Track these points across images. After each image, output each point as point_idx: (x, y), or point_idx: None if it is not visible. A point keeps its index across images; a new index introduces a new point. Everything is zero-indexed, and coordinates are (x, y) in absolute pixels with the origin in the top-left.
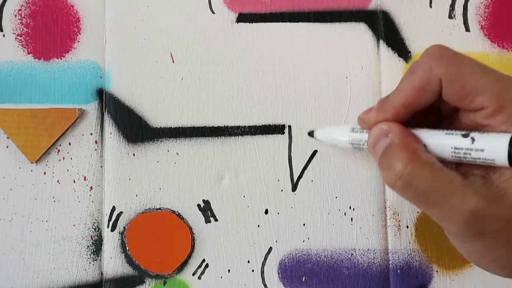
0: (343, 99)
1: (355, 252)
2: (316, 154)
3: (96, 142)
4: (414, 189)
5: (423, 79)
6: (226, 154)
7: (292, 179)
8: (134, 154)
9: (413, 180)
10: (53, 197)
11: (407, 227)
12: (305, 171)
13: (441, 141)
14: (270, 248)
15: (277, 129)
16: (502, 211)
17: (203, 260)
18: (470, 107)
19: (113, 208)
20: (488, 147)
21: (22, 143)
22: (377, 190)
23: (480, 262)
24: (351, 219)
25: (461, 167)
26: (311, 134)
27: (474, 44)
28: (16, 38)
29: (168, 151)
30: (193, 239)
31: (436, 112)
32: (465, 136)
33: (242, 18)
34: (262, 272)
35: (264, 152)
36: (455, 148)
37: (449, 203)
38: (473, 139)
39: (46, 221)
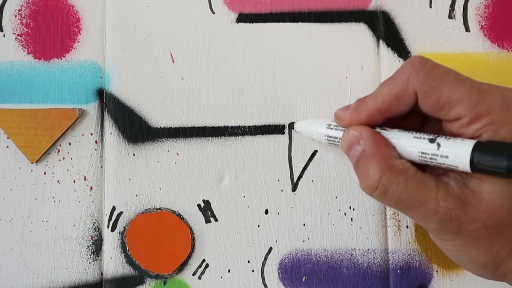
0: (343, 99)
1: (355, 252)
2: (316, 154)
3: (96, 142)
4: (390, 197)
5: (400, 89)
6: (226, 154)
7: (292, 179)
8: (134, 154)
9: (389, 189)
10: (53, 197)
11: (407, 227)
12: (305, 171)
13: (409, 145)
14: (270, 248)
15: (277, 129)
16: (476, 213)
17: (203, 260)
18: (446, 117)
19: (113, 208)
20: (452, 154)
21: (22, 143)
22: None
23: (460, 261)
24: (351, 219)
25: (437, 168)
26: (291, 125)
27: (474, 44)
28: (16, 38)
29: (168, 151)
30: (193, 239)
31: (420, 114)
32: (431, 141)
33: (242, 18)
34: (262, 272)
35: (264, 152)
36: (422, 152)
37: (424, 207)
38: (439, 145)
39: (46, 221)
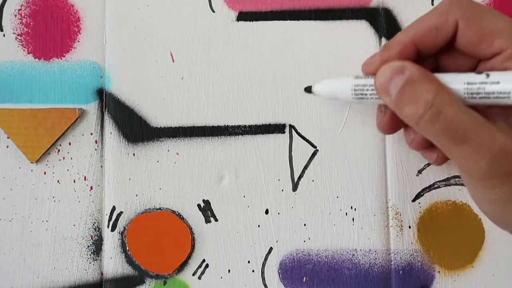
0: None
1: (356, 252)
2: (317, 154)
3: (96, 142)
4: (443, 120)
5: (439, 20)
6: (226, 153)
7: (292, 178)
8: (134, 154)
9: (443, 109)
10: (53, 197)
11: (409, 227)
12: (306, 171)
13: (454, 77)
14: (271, 248)
15: (278, 129)
16: None
17: (203, 260)
18: (487, 51)
19: (113, 208)
20: (503, 79)
21: (22, 143)
22: (379, 189)
23: (502, 215)
24: (353, 219)
25: (481, 112)
26: (308, 89)
27: None
28: (16, 38)
29: (168, 151)
30: (193, 239)
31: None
32: (479, 73)
33: (243, 16)
34: (263, 272)
35: (264, 151)
36: (468, 83)
37: (478, 138)
38: (487, 75)
39: (46, 221)
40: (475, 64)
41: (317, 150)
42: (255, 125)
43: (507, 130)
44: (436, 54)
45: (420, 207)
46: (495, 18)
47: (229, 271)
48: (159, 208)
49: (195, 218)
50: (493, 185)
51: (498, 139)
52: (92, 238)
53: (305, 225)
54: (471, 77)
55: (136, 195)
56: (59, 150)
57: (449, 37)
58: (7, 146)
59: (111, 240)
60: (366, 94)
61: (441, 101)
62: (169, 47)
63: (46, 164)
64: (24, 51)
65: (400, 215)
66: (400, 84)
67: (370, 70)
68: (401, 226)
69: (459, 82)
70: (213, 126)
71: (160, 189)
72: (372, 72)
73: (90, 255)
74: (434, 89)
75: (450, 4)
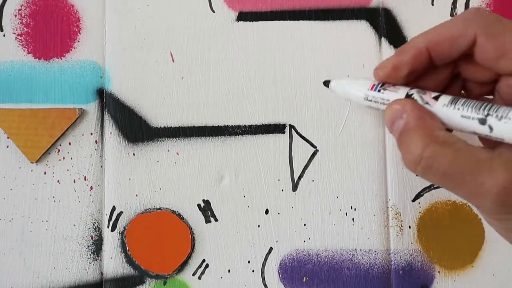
0: None
1: (356, 252)
2: (317, 154)
3: (96, 142)
4: (436, 172)
5: (458, 30)
6: (226, 153)
7: (292, 178)
8: (134, 154)
9: (434, 163)
10: (53, 197)
11: (409, 227)
12: (306, 171)
13: (458, 124)
14: (271, 248)
15: (278, 129)
16: None
17: (203, 260)
18: (507, 68)
19: (113, 208)
20: (507, 136)
21: (22, 143)
22: (379, 190)
23: None
24: (353, 219)
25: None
26: (326, 83)
27: None
28: (16, 38)
29: (168, 151)
30: (193, 239)
31: (462, 83)
32: (482, 122)
33: (243, 16)
34: (263, 272)
35: (264, 151)
36: (475, 132)
37: (478, 180)
38: (490, 128)
39: (46, 221)
40: (495, 77)
41: (317, 150)
42: (255, 125)
43: (509, 162)
44: (455, 62)
45: (420, 207)
46: None
47: (229, 271)
48: (159, 208)
49: (195, 218)
50: (503, 219)
51: (499, 178)
52: (92, 238)
53: (305, 225)
54: (475, 127)
55: (136, 195)
56: (59, 150)
57: (464, 49)
58: (7, 146)
59: (111, 240)
60: (377, 102)
61: (431, 154)
62: (169, 47)
63: (46, 164)
64: (24, 51)
65: (400, 215)
66: (399, 130)
67: (381, 74)
68: (401, 226)
69: (464, 129)
70: (213, 126)
71: (160, 189)
72: (383, 77)
73: (90, 255)
74: (423, 142)
75: (473, 15)
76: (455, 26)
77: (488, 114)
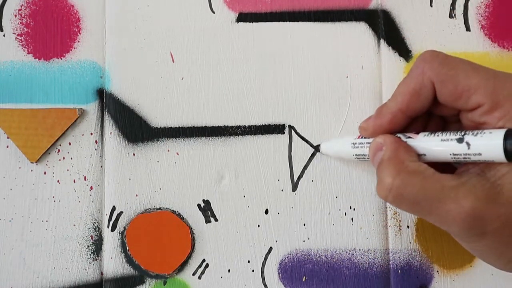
0: (344, 99)
1: (355, 252)
2: (317, 154)
3: (96, 142)
4: (406, 201)
5: (417, 83)
6: (226, 154)
7: (292, 178)
8: (134, 154)
9: (403, 192)
10: (53, 197)
11: (408, 227)
12: (305, 171)
13: (439, 149)
14: (270, 248)
15: (277, 129)
16: (499, 209)
17: (203, 260)
18: (466, 106)
19: (113, 208)
20: (484, 150)
21: (22, 143)
22: None
23: (485, 258)
24: (352, 219)
25: (458, 165)
26: (317, 148)
27: (474, 43)
28: (16, 38)
29: (168, 151)
30: (193, 239)
31: (439, 117)
32: (459, 141)
33: (242, 17)
34: (262, 272)
35: (264, 152)
36: (454, 154)
37: (444, 208)
38: (468, 144)
39: (46, 221)
40: (458, 113)
41: (317, 151)
42: (255, 125)
43: (476, 189)
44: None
45: None
46: (468, 74)
47: (229, 271)
48: (159, 208)
49: (195, 218)
50: (470, 241)
51: (464, 206)
52: (92, 238)
53: (304, 225)
54: (454, 147)
55: (136, 195)
56: (59, 150)
57: (431, 98)
58: (7, 146)
59: (111, 240)
60: (366, 159)
61: (400, 184)
62: (169, 47)
63: (46, 164)
64: (24, 51)
65: (399, 215)
66: (377, 162)
67: (364, 134)
68: (400, 225)
69: (445, 153)
70: (213, 126)
71: (160, 189)
72: (366, 136)
73: (90, 255)
74: (394, 171)
75: (423, 65)
76: (413, 81)
77: (465, 134)
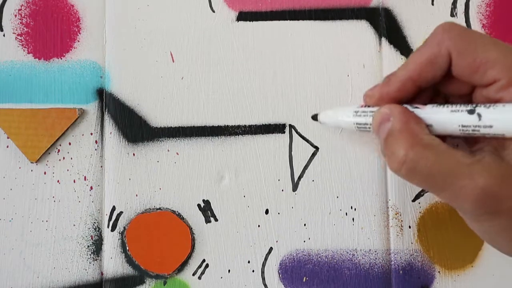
0: (345, 97)
1: (356, 252)
2: (317, 154)
3: (96, 142)
4: (419, 174)
5: (433, 53)
6: (226, 153)
7: (292, 178)
8: (134, 154)
9: (417, 165)
10: (53, 197)
11: (409, 227)
12: (306, 171)
13: (448, 120)
14: (271, 248)
15: (278, 129)
16: None
17: (203, 260)
18: (482, 81)
19: (113, 208)
20: (496, 122)
21: (22, 143)
22: (379, 189)
23: (496, 242)
24: (353, 219)
25: (470, 142)
26: (314, 117)
27: None
28: (16, 38)
29: (168, 151)
30: (193, 239)
31: (443, 98)
32: (471, 112)
33: (243, 16)
34: (263, 272)
35: (264, 151)
36: (463, 126)
37: (458, 184)
38: (479, 115)
39: (46, 221)
40: (472, 90)
41: (317, 150)
42: (255, 125)
43: (491, 167)
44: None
45: (420, 207)
46: (487, 48)
47: (229, 271)
48: (159, 208)
49: (195, 218)
50: (481, 221)
51: (478, 182)
52: (92, 238)
53: (305, 225)
54: (464, 118)
55: (136, 195)
56: (59, 150)
57: (445, 69)
58: (7, 146)
59: (111, 240)
60: (369, 130)
61: (414, 157)
62: (169, 47)
63: (46, 164)
64: (24, 51)
65: (400, 215)
66: (385, 133)
67: (369, 102)
68: (401, 226)
69: (453, 125)
70: (213, 126)
71: (160, 189)
72: (371, 104)
73: (90, 255)
74: (407, 144)
75: (442, 34)
76: (430, 48)
77: (476, 106)
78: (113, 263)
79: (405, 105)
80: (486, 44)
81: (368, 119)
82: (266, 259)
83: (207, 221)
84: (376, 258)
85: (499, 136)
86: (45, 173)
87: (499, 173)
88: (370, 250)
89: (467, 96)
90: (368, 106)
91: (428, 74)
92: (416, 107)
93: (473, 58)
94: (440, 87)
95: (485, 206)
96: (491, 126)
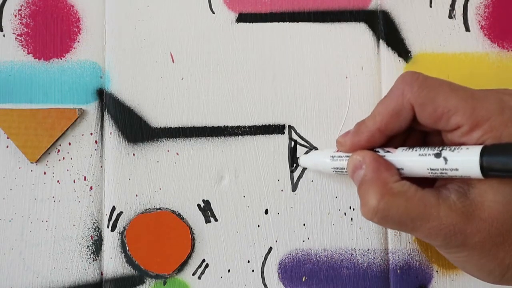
0: (343, 99)
1: (355, 252)
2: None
3: (96, 142)
4: (391, 221)
5: (397, 105)
6: (226, 154)
7: (292, 179)
8: (134, 154)
9: (388, 213)
10: (53, 197)
11: None
12: (305, 171)
13: (417, 164)
14: (270, 248)
15: (277, 129)
16: (480, 224)
17: (203, 260)
18: (446, 127)
19: (113, 208)
20: (461, 166)
21: (22, 143)
22: None
23: (467, 270)
24: (351, 219)
25: (437, 180)
26: (296, 161)
27: (474, 44)
28: (16, 38)
29: (168, 151)
30: (193, 239)
31: (420, 131)
32: (437, 156)
33: (242, 18)
34: (262, 272)
35: (264, 152)
36: (431, 169)
37: (427, 226)
38: (445, 159)
39: (46, 221)
40: (439, 133)
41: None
42: (255, 125)
43: (456, 206)
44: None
45: None
46: (447, 96)
47: (229, 271)
48: (159, 208)
49: (195, 218)
50: (452, 253)
51: (445, 223)
52: (92, 238)
53: (304, 225)
54: (432, 162)
55: (136, 195)
56: (59, 150)
57: (409, 119)
58: (7, 146)
59: (111, 240)
60: (346, 173)
61: (385, 207)
62: (169, 47)
63: (46, 164)
64: (24, 51)
65: None
66: (358, 180)
67: (341, 149)
68: None
69: (422, 168)
70: (213, 126)
71: (160, 189)
72: (344, 151)
73: (90, 255)
74: (378, 194)
75: (402, 87)
76: (393, 102)
77: (442, 149)
78: (113, 263)
79: (378, 149)
80: (446, 92)
81: (344, 163)
82: (265, 258)
83: (207, 221)
84: (374, 258)
85: (467, 177)
86: (45, 173)
87: (465, 211)
88: (368, 249)
89: (441, 134)
90: None
91: (394, 126)
92: (388, 151)
93: (434, 109)
94: (413, 125)
95: (452, 242)
96: (457, 169)
